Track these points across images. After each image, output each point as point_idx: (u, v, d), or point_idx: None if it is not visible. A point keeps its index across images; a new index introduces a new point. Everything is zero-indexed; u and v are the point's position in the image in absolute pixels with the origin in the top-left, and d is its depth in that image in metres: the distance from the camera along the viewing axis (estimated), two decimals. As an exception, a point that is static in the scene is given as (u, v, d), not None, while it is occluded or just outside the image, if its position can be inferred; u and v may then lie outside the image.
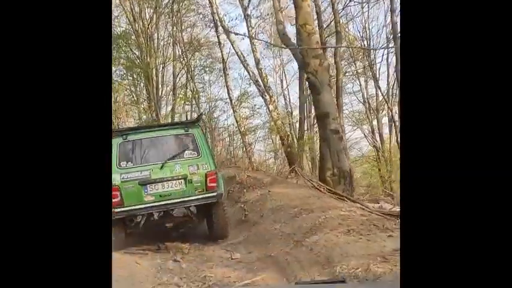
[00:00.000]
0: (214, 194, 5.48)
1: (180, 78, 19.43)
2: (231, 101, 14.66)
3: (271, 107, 15.00)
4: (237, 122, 14.51)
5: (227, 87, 14.80)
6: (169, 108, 19.32)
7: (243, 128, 14.40)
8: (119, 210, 5.25)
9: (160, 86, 18.84)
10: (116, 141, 5.40)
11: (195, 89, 15.71)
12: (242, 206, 7.10)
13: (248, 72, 15.21)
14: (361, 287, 1.99)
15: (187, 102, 19.47)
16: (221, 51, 14.87)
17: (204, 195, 5.45)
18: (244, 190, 7.65)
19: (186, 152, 5.58)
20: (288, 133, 15.27)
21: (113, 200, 5.11)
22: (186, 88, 17.04)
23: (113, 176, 5.12)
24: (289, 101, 22.35)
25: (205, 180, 5.43)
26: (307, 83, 9.64)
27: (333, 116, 8.92)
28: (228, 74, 14.96)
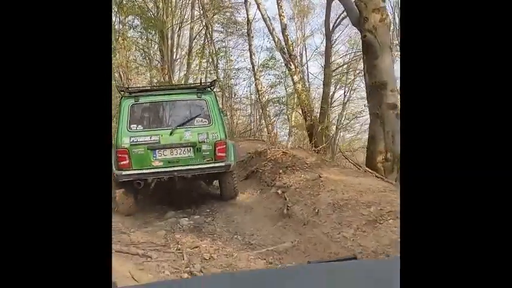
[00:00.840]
0: (223, 164, 5.04)
1: (196, 42, 17.10)
2: (253, 67, 12.40)
3: (295, 77, 12.80)
4: (258, 91, 12.29)
5: (250, 51, 12.51)
6: (183, 73, 17.14)
7: (264, 98, 12.19)
8: (126, 173, 4.88)
9: (175, 49, 16.64)
10: (127, 103, 5.06)
11: (213, 50, 13.34)
12: (280, 192, 5.02)
13: (273, 38, 12.93)
14: (372, 263, 1.65)
15: (202, 69, 17.24)
16: (246, 10, 12.47)
17: (212, 165, 5.04)
18: (280, 171, 5.54)
19: (197, 119, 5.15)
20: (312, 108, 13.10)
21: (121, 163, 4.88)
22: (204, 48, 14.65)
23: (123, 138, 4.92)
24: (308, 76, 20.10)
25: (214, 150, 5.02)
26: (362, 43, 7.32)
27: (391, 87, 6.74)
28: (252, 37, 12.62)
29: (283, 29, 12.99)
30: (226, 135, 5.17)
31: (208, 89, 5.29)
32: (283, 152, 5.96)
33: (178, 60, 17.74)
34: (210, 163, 5.00)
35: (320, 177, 4.75)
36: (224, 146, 5.03)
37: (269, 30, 12.93)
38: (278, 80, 11.57)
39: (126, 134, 4.90)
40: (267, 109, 12.09)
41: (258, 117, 13.50)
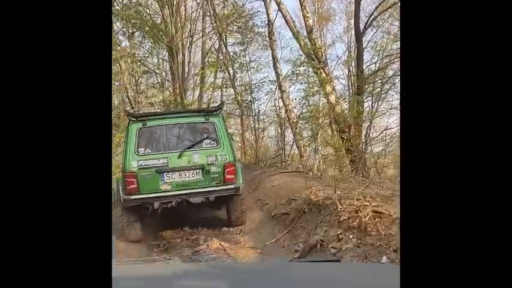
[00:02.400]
0: (232, 186, 4.68)
1: (209, 57, 14.30)
2: (277, 77, 9.41)
3: (328, 87, 9.71)
4: (285, 105, 9.27)
5: (273, 57, 9.51)
6: (197, 93, 14.31)
7: (293, 114, 9.11)
8: (134, 197, 4.52)
9: (186, 66, 13.89)
10: (135, 127, 4.72)
11: (229, 61, 10.38)
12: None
13: (298, 42, 9.92)
14: (355, 267, 1.57)
15: (217, 85, 14.42)
16: (266, 9, 9.49)
17: (221, 187, 4.67)
18: (382, 255, 2.43)
19: (206, 141, 4.81)
20: (350, 123, 10.00)
21: (129, 187, 4.56)
22: (218, 60, 11.73)
23: (131, 162, 4.60)
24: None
25: (223, 172, 4.67)
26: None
27: None
28: (275, 40, 9.59)
29: (309, 32, 9.99)
30: (235, 157, 4.92)
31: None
32: (374, 211, 2.85)
33: (191, 78, 15.01)
34: (219, 186, 4.69)
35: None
36: (233, 168, 4.74)
37: (293, 33, 9.97)
38: (315, 90, 8.47)
39: (134, 158, 4.60)
40: (298, 127, 9.00)
41: (283, 137, 10.40)
